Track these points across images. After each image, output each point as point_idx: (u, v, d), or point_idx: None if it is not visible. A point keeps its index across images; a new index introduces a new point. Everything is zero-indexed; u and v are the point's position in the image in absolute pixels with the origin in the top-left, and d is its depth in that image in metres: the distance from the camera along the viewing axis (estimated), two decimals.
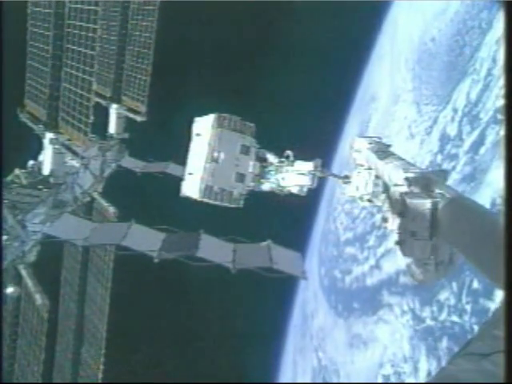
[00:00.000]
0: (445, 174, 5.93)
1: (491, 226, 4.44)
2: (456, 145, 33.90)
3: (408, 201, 5.86)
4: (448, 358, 26.87)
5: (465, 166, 31.38)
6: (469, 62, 37.18)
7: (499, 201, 25.47)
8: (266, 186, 9.00)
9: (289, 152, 8.88)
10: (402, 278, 32.78)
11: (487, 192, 27.11)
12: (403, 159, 6.65)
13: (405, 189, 6.02)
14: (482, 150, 29.95)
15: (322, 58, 41.99)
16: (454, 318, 26.99)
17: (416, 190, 5.83)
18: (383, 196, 6.89)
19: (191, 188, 8.69)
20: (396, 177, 6.24)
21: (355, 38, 44.59)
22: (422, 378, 29.37)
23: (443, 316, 28.33)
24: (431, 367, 28.79)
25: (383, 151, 7.13)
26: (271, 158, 8.94)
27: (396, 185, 6.22)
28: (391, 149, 7.31)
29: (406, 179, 6.00)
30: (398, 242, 5.88)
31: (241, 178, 8.66)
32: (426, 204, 5.44)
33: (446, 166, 34.07)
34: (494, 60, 32.96)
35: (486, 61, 34.52)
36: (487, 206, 26.33)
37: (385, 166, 6.73)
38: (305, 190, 8.72)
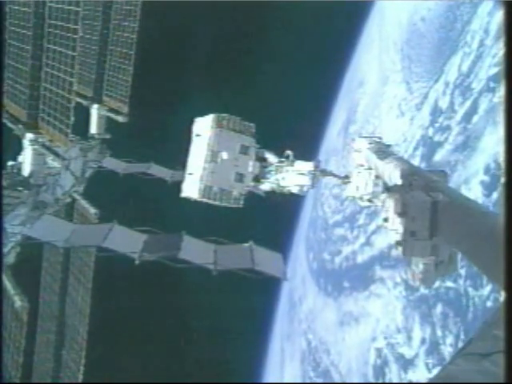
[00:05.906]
0: (445, 174, 6.41)
1: (491, 226, 4.70)
2: (448, 116, 34.62)
3: (408, 201, 6.33)
4: (442, 324, 28.03)
5: (457, 135, 32.14)
6: (460, 35, 37.80)
7: (493, 165, 26.32)
8: (266, 186, 9.36)
9: (289, 152, 9.22)
10: (394, 252, 33.41)
11: (481, 158, 27.99)
12: (403, 159, 7.09)
13: (405, 189, 6.47)
14: (475, 119, 30.67)
15: (310, 50, 42.26)
16: (449, 284, 27.65)
17: (416, 190, 6.19)
18: (383, 196, 7.30)
19: (191, 188, 9.03)
20: (396, 177, 6.70)
21: (342, 29, 44.91)
22: (416, 346, 30.37)
23: (437, 282, 29.17)
24: (425, 335, 29.75)
25: (383, 151, 7.54)
26: (271, 157, 9.30)
27: (396, 185, 6.68)
28: (391, 149, 7.76)
29: (406, 179, 6.43)
30: (398, 242, 6.21)
31: (240, 177, 9.00)
32: (426, 204, 5.80)
33: (438, 138, 34.87)
34: (487, 31, 33.62)
35: (477, 33, 35.17)
36: (481, 171, 27.23)
37: (385, 165, 7.12)
38: (305, 189, 9.06)
